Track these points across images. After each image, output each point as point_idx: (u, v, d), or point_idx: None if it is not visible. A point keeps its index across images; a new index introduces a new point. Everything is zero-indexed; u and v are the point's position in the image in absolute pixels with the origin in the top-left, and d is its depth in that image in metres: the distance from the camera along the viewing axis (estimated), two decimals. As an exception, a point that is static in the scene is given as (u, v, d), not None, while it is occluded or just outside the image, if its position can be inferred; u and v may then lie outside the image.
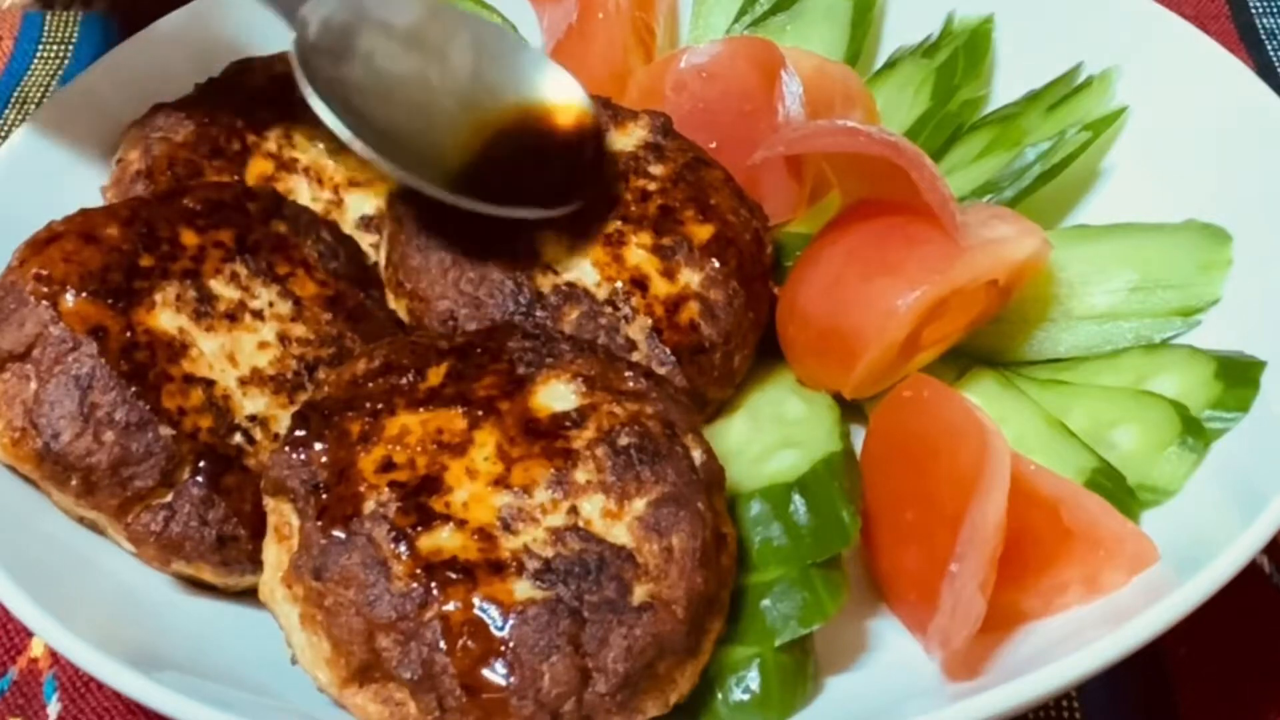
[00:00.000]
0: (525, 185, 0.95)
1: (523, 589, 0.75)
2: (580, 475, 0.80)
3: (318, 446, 0.81)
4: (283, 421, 0.88)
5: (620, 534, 0.78)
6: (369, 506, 0.78)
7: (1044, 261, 0.96)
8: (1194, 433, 0.88)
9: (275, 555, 0.80)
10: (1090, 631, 0.77)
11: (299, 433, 0.82)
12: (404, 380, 0.84)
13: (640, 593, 0.76)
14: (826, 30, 1.20)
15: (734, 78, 1.08)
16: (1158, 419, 0.90)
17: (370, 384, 0.84)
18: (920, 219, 0.92)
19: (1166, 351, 0.96)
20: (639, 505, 0.79)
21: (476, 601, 0.74)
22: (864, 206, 0.97)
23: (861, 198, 0.98)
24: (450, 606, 0.74)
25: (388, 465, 0.80)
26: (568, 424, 0.82)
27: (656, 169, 1.00)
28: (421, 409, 0.82)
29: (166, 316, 0.89)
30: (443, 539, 0.77)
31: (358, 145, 0.91)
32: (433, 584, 0.75)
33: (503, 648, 0.73)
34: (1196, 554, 0.78)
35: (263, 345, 0.91)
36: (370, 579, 0.75)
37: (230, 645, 0.85)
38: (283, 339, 0.91)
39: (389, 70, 0.97)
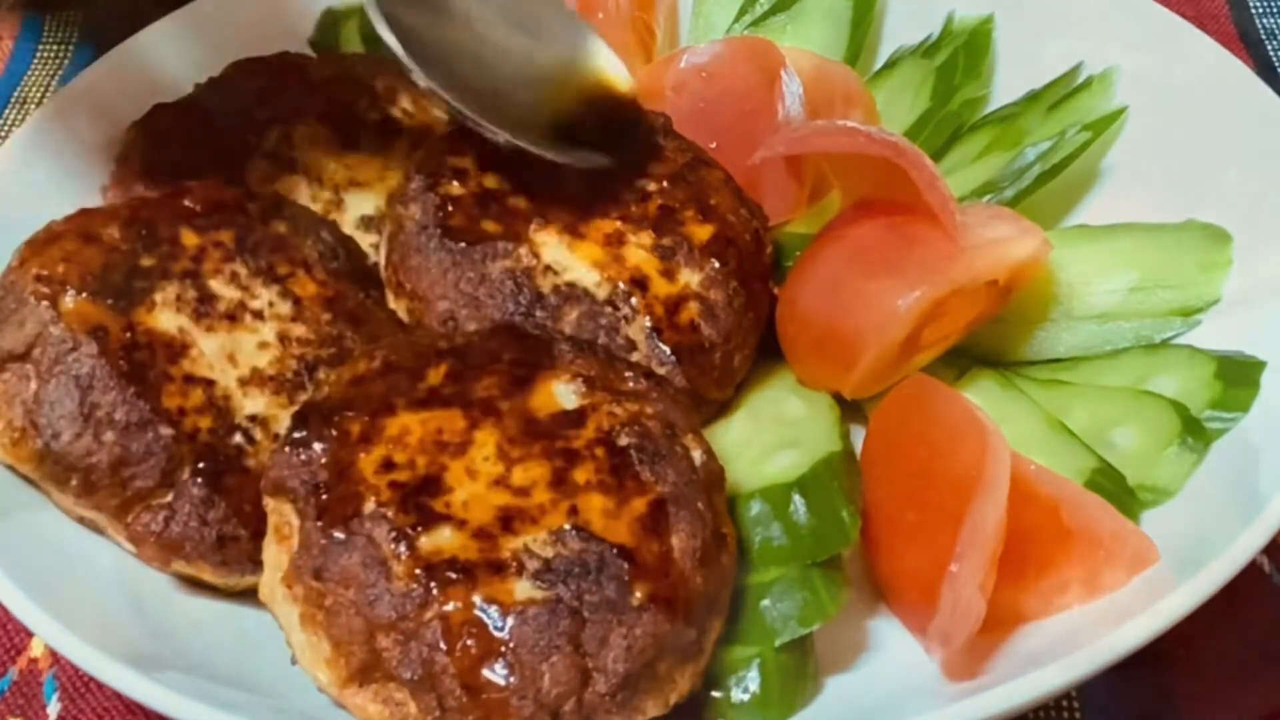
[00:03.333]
0: (584, 139, 1.00)
1: (523, 589, 0.75)
2: (580, 475, 0.80)
3: (318, 447, 0.81)
4: (283, 421, 0.88)
5: (620, 534, 0.78)
6: (369, 506, 0.78)
7: (1044, 261, 0.96)
8: (1194, 433, 0.88)
9: (275, 555, 0.80)
10: (1090, 631, 0.77)
11: (299, 433, 0.82)
12: (404, 380, 0.84)
13: (640, 592, 0.76)
14: (826, 30, 1.20)
15: (734, 78, 1.08)
16: (1158, 419, 0.90)
17: (370, 384, 0.84)
18: (920, 219, 0.92)
19: (1166, 351, 0.95)
20: (639, 505, 0.79)
21: (476, 601, 0.74)
22: (864, 206, 0.97)
23: (861, 198, 0.98)
24: (450, 606, 0.74)
25: (388, 465, 0.80)
26: (567, 424, 0.82)
27: (656, 169, 1.00)
28: (421, 409, 0.82)
29: (166, 316, 0.89)
30: (443, 539, 0.77)
31: (423, 81, 0.94)
32: (433, 584, 0.75)
33: (503, 648, 0.73)
34: (1196, 554, 0.78)
35: (263, 345, 0.91)
36: (370, 579, 0.75)
37: (230, 645, 0.85)
38: (283, 339, 0.91)
39: (467, 27, 1.01)
